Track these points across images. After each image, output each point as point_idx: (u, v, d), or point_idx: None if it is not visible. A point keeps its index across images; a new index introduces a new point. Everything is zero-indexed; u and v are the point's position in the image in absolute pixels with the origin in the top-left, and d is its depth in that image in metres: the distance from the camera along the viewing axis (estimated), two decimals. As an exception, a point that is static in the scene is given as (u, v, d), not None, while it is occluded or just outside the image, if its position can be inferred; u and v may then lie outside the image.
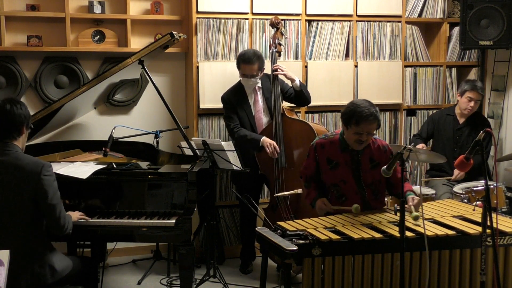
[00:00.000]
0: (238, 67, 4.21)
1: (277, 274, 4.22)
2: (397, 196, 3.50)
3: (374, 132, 3.32)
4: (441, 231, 2.97)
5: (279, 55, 4.33)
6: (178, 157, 4.04)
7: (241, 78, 4.24)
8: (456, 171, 4.41)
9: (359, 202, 3.36)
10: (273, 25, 4.31)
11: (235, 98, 4.25)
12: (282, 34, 4.32)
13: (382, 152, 3.42)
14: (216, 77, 4.50)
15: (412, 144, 4.58)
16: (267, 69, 4.29)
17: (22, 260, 2.76)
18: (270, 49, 4.30)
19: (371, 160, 3.39)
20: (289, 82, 4.27)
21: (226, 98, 4.27)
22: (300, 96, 4.25)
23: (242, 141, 4.15)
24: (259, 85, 4.27)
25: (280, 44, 4.30)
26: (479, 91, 4.52)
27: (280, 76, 4.21)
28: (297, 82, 4.20)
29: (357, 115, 3.19)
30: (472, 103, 4.51)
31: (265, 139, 4.09)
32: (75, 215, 3.21)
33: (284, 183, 4.12)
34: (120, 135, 4.18)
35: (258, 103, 4.28)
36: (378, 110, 3.26)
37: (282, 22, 4.39)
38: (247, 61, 4.13)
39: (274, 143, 4.08)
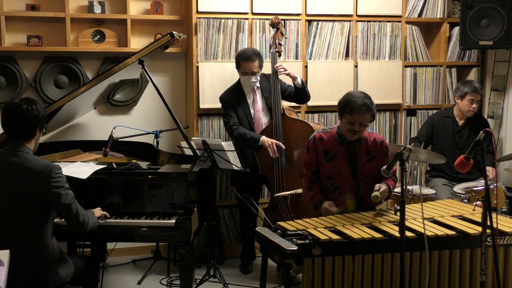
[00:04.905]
0: (238, 66, 4.21)
1: (277, 274, 4.22)
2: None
3: (368, 124, 3.36)
4: (441, 231, 2.98)
5: (279, 55, 4.33)
6: (178, 157, 4.04)
7: (241, 77, 4.23)
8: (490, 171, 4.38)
9: (353, 196, 3.38)
10: (274, 25, 4.31)
11: (234, 97, 4.25)
12: (282, 34, 4.32)
13: (378, 146, 3.45)
14: (216, 77, 4.50)
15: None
16: (268, 69, 4.29)
17: (23, 263, 2.73)
18: (270, 49, 4.30)
19: (368, 153, 3.42)
20: (290, 81, 4.27)
21: (224, 97, 4.27)
22: (301, 93, 4.25)
23: (240, 139, 4.14)
24: (258, 84, 4.27)
25: (280, 44, 4.30)
26: (479, 92, 4.52)
27: (282, 76, 4.22)
28: (299, 80, 4.21)
29: (351, 105, 3.28)
30: (474, 105, 4.52)
31: (264, 138, 4.09)
32: (97, 211, 3.18)
33: (284, 183, 4.12)
34: (120, 135, 4.18)
35: (257, 103, 4.27)
36: (374, 103, 3.33)
37: (283, 22, 4.39)
38: (248, 58, 4.14)
39: (275, 141, 4.07)
